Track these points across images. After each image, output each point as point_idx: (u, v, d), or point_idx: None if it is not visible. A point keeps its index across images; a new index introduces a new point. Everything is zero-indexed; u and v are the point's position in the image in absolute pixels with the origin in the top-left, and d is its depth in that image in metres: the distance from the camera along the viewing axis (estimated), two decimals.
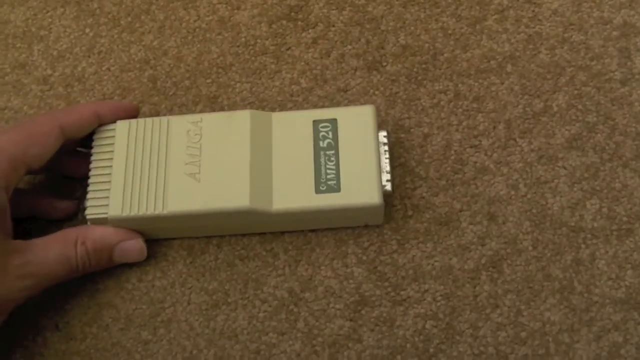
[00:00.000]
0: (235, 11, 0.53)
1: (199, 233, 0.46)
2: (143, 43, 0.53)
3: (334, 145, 0.44)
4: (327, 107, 0.49)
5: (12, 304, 0.41)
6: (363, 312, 0.44)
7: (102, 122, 0.46)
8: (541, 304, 0.43)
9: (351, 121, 0.44)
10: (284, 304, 0.44)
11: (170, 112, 0.50)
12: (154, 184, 0.43)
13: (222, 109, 0.50)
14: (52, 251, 0.42)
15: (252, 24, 0.52)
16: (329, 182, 0.43)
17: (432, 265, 0.45)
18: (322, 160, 0.44)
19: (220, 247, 0.46)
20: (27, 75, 0.53)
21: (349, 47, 0.51)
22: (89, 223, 0.44)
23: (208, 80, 0.51)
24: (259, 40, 0.52)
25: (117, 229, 0.44)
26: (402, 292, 0.44)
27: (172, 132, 0.45)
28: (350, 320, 0.44)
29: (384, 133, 0.45)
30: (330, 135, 0.44)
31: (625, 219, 0.45)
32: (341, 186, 0.43)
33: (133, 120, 0.45)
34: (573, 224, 0.45)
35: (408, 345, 0.43)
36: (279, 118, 0.45)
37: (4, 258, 0.40)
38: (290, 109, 0.50)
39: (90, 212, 0.44)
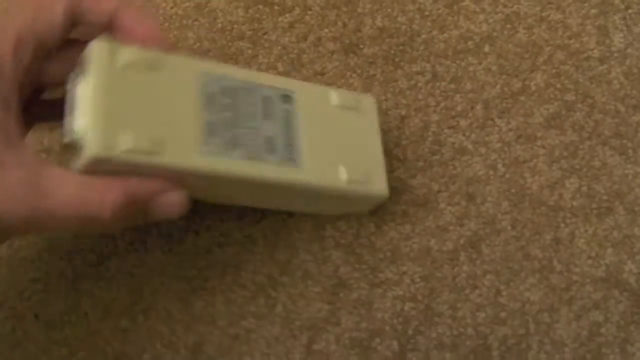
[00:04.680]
0: None
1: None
2: None
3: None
4: None
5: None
6: (341, 295, 0.44)
7: (114, 30, 0.38)
8: (520, 283, 0.43)
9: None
10: (262, 289, 0.44)
11: None
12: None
13: None
14: (71, 185, 0.34)
15: (228, 9, 0.52)
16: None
17: (411, 247, 0.44)
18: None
19: (199, 234, 0.46)
20: None
21: (326, 30, 0.51)
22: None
23: None
24: (235, 26, 0.52)
25: (155, 178, 0.36)
26: (380, 275, 0.44)
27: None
28: (329, 303, 0.44)
29: None
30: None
31: (604, 197, 0.45)
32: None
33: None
34: (552, 203, 0.45)
35: (387, 328, 0.43)
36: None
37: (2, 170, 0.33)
38: None
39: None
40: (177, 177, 0.36)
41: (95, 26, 0.38)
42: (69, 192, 0.34)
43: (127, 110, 0.35)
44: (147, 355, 0.43)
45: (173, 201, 0.37)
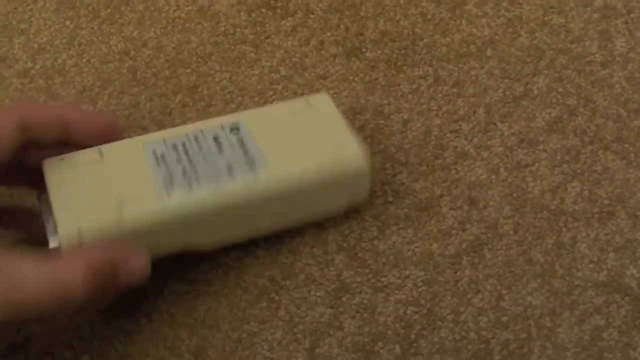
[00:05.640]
0: (215, 0, 0.53)
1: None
2: (123, 34, 0.53)
3: None
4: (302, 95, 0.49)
5: None
6: (344, 299, 0.44)
7: (69, 134, 0.41)
8: (523, 288, 0.43)
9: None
10: (265, 292, 0.44)
11: (150, 102, 0.50)
12: None
13: (202, 99, 0.50)
14: (41, 277, 0.36)
15: (231, 12, 0.52)
16: None
17: (413, 251, 0.45)
18: None
19: None
20: (7, 69, 0.53)
21: (328, 34, 0.51)
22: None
23: (188, 70, 0.51)
24: (238, 29, 0.52)
25: (116, 241, 0.39)
26: (382, 279, 0.44)
27: None
28: (331, 307, 0.44)
29: None
30: None
31: (606, 201, 0.45)
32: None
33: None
34: (554, 207, 0.45)
35: (389, 332, 0.43)
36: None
37: None
38: (270, 97, 0.49)
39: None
40: (149, 232, 0.40)
41: (49, 132, 0.41)
42: (41, 279, 0.36)
43: (86, 200, 0.40)
44: (150, 359, 0.43)
45: (140, 265, 0.40)
